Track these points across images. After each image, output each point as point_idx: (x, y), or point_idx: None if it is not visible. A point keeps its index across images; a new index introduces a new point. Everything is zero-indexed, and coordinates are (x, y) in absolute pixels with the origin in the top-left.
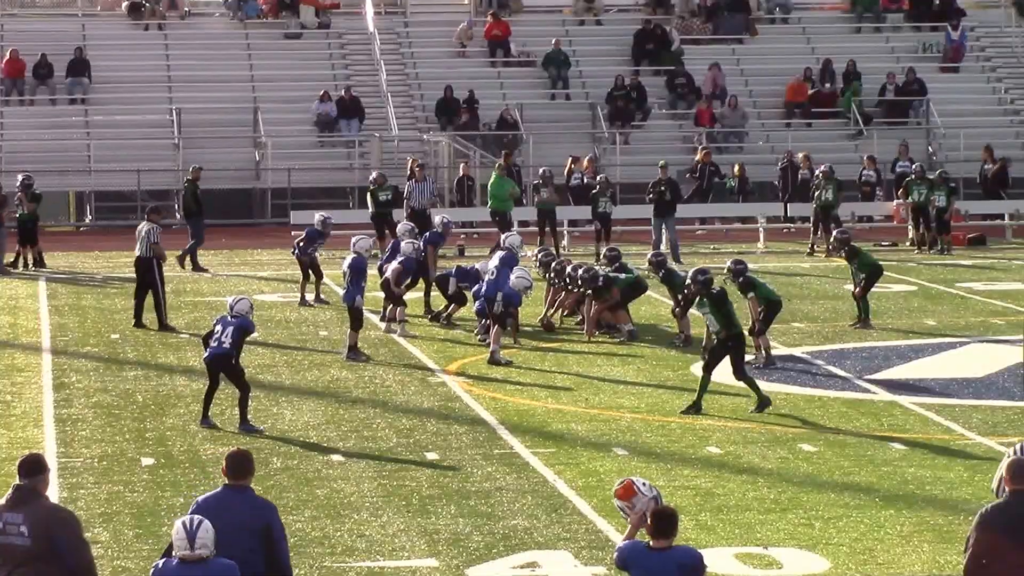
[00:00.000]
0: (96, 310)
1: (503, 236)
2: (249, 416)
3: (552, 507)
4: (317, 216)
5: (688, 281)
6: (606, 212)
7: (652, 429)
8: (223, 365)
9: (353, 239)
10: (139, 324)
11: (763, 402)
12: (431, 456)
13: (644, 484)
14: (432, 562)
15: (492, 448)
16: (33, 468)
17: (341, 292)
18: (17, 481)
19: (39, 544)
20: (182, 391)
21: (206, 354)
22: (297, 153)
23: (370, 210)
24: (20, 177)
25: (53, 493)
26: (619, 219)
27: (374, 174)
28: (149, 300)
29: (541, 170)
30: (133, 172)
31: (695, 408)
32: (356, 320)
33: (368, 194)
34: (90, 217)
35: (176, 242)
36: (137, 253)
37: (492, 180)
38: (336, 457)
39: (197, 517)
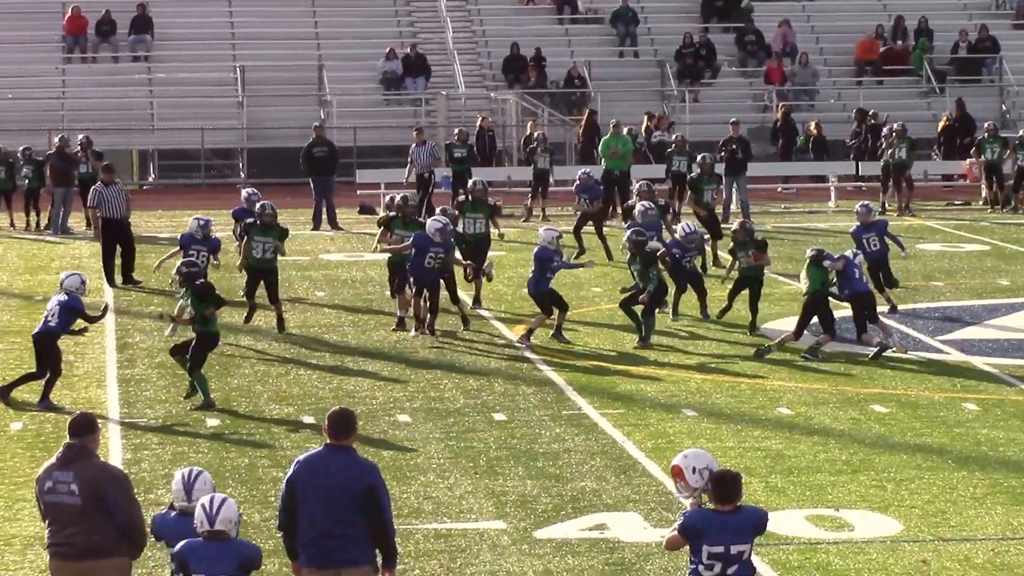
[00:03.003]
0: (159, 269)
1: (540, 230)
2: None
3: (621, 469)
4: (244, 192)
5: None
6: (681, 171)
7: (722, 390)
8: (47, 343)
9: (539, 229)
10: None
11: (646, 339)
12: (499, 417)
13: (695, 471)
14: (499, 524)
15: (560, 409)
16: (83, 427)
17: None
18: (68, 440)
19: (89, 502)
20: (247, 351)
21: (36, 329)
22: (362, 111)
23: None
24: (80, 137)
25: (116, 454)
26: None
27: (456, 131)
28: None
29: (537, 133)
30: (196, 130)
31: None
32: (547, 307)
33: (444, 149)
34: (153, 176)
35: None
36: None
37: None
38: (403, 418)
39: (196, 470)
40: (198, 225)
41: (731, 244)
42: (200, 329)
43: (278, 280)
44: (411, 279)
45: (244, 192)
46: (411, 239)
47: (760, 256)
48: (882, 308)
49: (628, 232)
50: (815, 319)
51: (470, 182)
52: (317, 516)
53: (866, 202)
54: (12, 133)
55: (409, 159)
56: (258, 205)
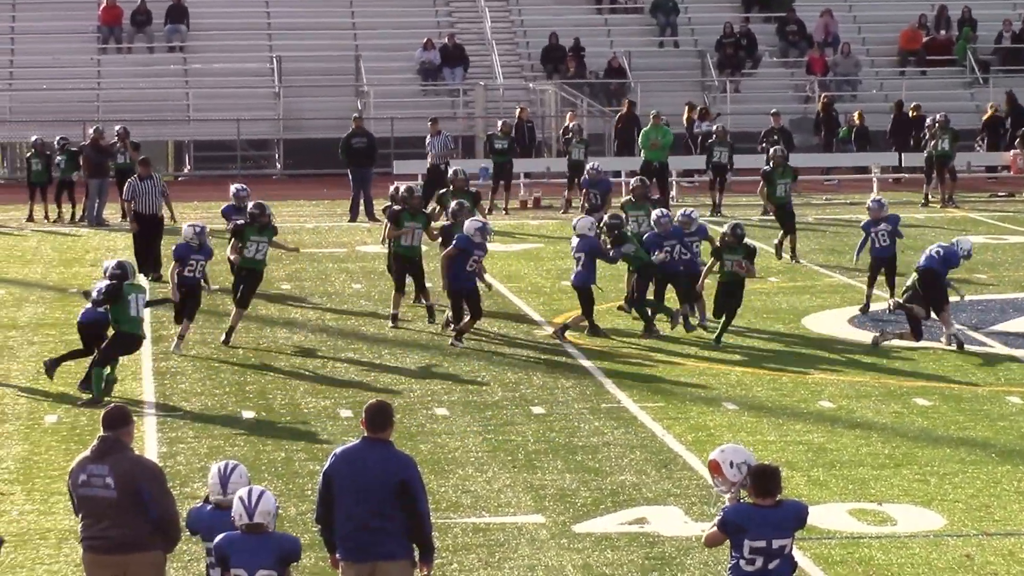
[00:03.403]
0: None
1: (576, 221)
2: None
3: (661, 462)
4: (232, 188)
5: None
6: (721, 163)
7: (763, 383)
8: (94, 331)
9: (575, 221)
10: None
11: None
12: (537, 410)
13: (732, 465)
14: (538, 518)
15: (599, 402)
16: (117, 419)
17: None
18: (102, 432)
19: (124, 496)
20: (283, 344)
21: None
22: (400, 102)
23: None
24: (117, 128)
25: (151, 447)
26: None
27: (501, 122)
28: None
29: (573, 123)
30: (232, 121)
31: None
32: (589, 304)
33: (486, 140)
34: (189, 167)
35: (273, 192)
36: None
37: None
38: (440, 411)
39: (232, 464)
40: (193, 232)
41: (717, 244)
42: (121, 328)
43: (259, 284)
44: (449, 287)
45: (232, 188)
46: (453, 243)
47: (747, 266)
48: (881, 306)
49: (605, 217)
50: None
51: (451, 171)
52: (353, 510)
53: (878, 197)
54: (48, 124)
55: (427, 150)
56: (252, 205)
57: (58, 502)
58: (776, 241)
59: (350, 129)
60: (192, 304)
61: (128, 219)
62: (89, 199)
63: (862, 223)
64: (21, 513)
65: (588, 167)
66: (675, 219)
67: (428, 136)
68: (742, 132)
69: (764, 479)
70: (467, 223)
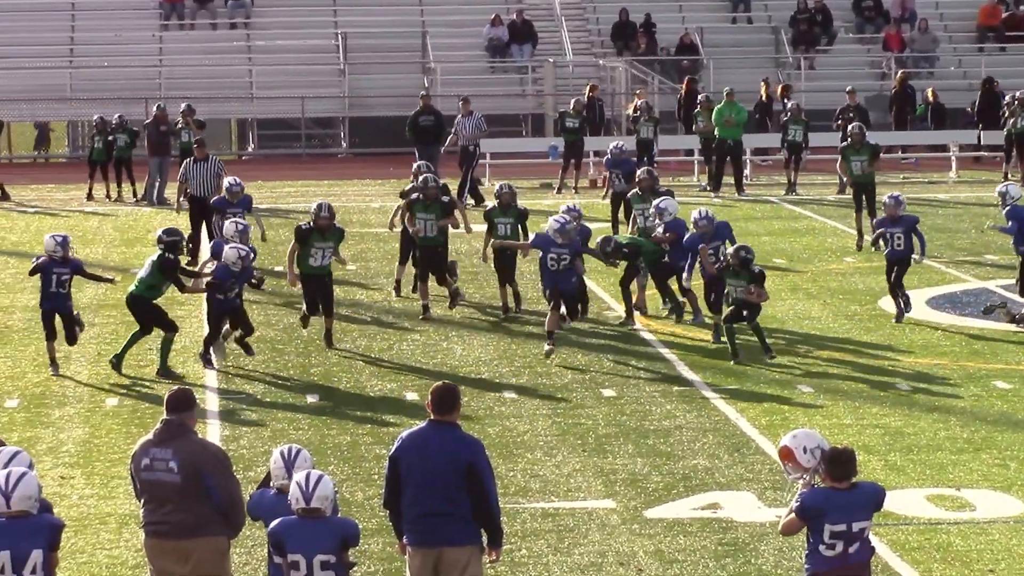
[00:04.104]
0: (257, 242)
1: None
2: None
3: (734, 446)
4: (226, 182)
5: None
6: (796, 141)
7: (839, 365)
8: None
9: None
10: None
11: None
12: (608, 393)
13: (806, 451)
14: (609, 503)
15: (671, 385)
16: (181, 402)
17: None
18: (165, 416)
19: (188, 480)
20: (348, 325)
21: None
22: (467, 79)
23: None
24: (182, 106)
25: (214, 432)
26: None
27: (573, 100)
28: None
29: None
30: (297, 99)
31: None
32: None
33: (557, 118)
34: (252, 145)
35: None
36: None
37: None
38: (509, 394)
39: (296, 448)
40: (238, 256)
41: (722, 265)
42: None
43: (332, 291)
44: (545, 290)
45: (226, 181)
46: (531, 241)
47: (757, 291)
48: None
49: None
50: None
51: (421, 177)
52: (420, 494)
53: (896, 194)
54: (109, 102)
55: (453, 130)
56: (314, 206)
57: (118, 486)
58: (856, 226)
59: (417, 107)
60: (236, 318)
61: (179, 200)
62: (149, 178)
63: (875, 221)
64: (81, 497)
65: (611, 146)
66: (692, 220)
67: (459, 116)
68: (817, 110)
69: (840, 462)
70: (550, 221)
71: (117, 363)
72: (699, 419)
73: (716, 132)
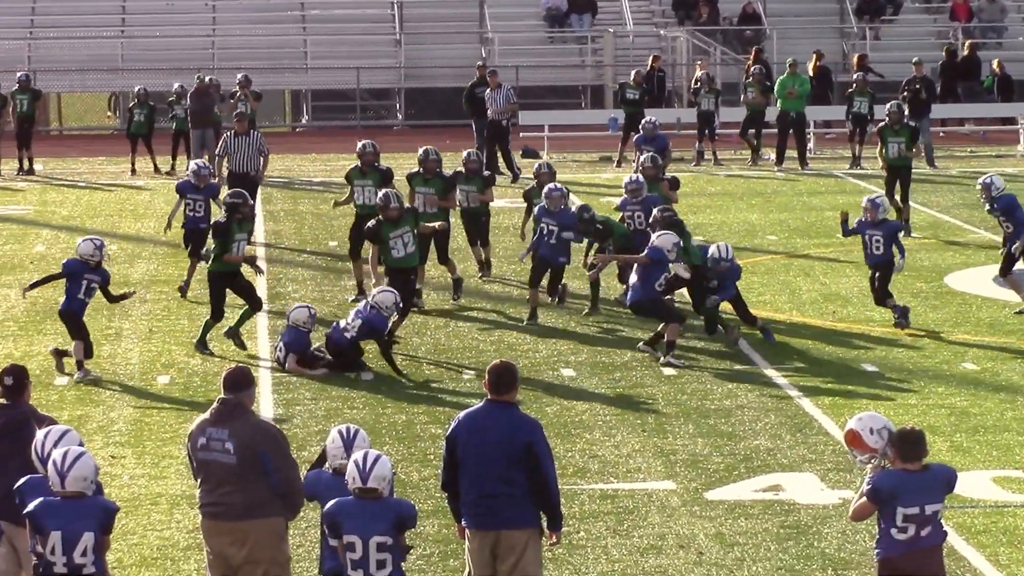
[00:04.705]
0: (313, 216)
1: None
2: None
3: (797, 427)
4: (193, 164)
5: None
6: (862, 113)
7: (904, 344)
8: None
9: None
10: None
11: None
12: (668, 372)
13: (872, 432)
14: (669, 484)
15: (733, 364)
16: (239, 381)
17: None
18: (222, 395)
19: (244, 461)
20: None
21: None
22: (525, 50)
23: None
24: (239, 76)
25: (268, 410)
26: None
27: (634, 72)
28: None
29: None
30: (352, 70)
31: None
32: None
33: (617, 89)
34: (306, 117)
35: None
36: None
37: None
38: (567, 372)
39: (354, 428)
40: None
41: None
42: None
43: (414, 283)
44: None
45: (194, 164)
46: (647, 252)
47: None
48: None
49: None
50: None
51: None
52: (477, 476)
53: (873, 196)
54: (162, 72)
55: (487, 104)
56: (380, 196)
57: (169, 466)
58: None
59: (474, 78)
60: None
61: (218, 176)
62: (193, 150)
63: (856, 220)
64: (132, 477)
65: (644, 121)
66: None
67: (487, 90)
68: (882, 81)
69: (911, 443)
70: (662, 238)
71: (235, 336)
72: (761, 399)
73: (778, 104)
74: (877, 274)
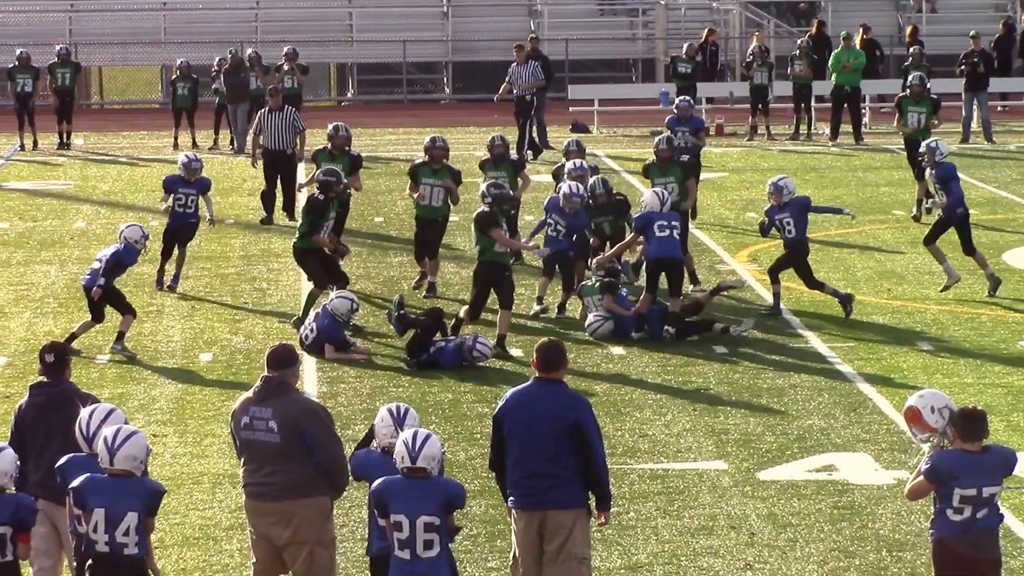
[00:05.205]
0: (357, 191)
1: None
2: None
3: (851, 406)
4: (182, 157)
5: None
6: None
7: (960, 322)
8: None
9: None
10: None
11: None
12: (719, 350)
13: (933, 411)
14: (721, 464)
15: (786, 342)
16: (283, 359)
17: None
18: (265, 373)
19: (288, 440)
20: (451, 279)
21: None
22: (575, 22)
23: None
24: (286, 49)
25: (312, 388)
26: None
27: (687, 44)
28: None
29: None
30: (398, 43)
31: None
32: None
33: (669, 63)
34: (352, 91)
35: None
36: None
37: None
38: (616, 351)
39: (404, 406)
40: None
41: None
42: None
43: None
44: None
45: (182, 157)
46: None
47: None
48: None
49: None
50: None
51: (427, 139)
52: (524, 455)
53: (774, 179)
54: (206, 45)
55: (508, 79)
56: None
57: (211, 444)
58: (917, 196)
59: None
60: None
61: (254, 154)
62: (232, 125)
63: (766, 208)
64: (174, 456)
65: (678, 100)
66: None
67: (513, 64)
68: (939, 55)
69: (972, 422)
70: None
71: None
72: (814, 378)
73: (833, 78)
74: (795, 256)
